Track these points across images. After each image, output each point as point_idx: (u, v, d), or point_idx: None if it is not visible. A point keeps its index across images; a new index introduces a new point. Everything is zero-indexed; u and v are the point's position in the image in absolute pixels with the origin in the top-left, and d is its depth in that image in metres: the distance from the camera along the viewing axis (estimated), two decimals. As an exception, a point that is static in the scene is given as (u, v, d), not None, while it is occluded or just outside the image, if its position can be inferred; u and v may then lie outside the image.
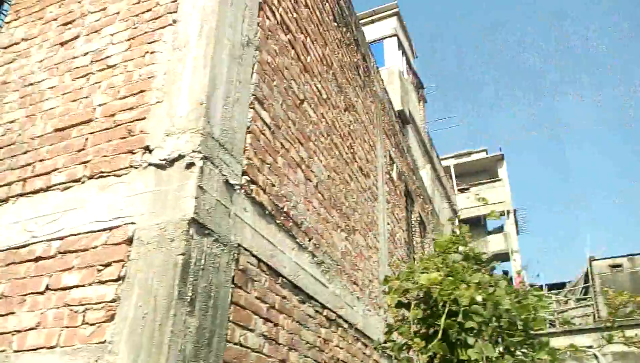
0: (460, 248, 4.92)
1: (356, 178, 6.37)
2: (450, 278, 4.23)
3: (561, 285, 31.12)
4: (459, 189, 26.65)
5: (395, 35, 15.49)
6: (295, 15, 4.73)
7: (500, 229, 28.99)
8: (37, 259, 3.29)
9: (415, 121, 16.69)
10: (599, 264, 27.05)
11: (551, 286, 31.24)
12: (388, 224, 7.85)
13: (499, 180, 27.03)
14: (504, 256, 28.25)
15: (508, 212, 26.43)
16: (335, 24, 5.98)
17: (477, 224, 30.01)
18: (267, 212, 3.96)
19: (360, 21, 16.03)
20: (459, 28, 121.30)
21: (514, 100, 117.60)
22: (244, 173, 3.68)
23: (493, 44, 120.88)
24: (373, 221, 7.04)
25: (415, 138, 16.50)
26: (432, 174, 18.47)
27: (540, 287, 31.15)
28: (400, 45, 15.85)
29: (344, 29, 6.31)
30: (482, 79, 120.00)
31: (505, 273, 31.67)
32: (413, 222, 10.25)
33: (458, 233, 4.92)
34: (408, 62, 16.92)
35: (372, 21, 15.82)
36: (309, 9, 5.13)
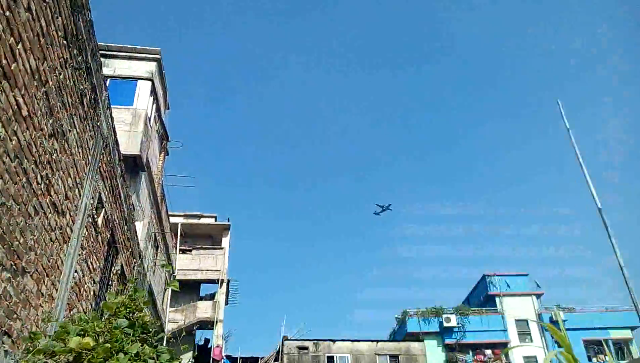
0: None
1: (45, 213, 5.60)
2: (107, 345, 3.87)
3: (255, 360, 32.55)
4: (181, 250, 26.32)
5: (151, 80, 15.07)
6: (8, 14, 4.08)
7: (212, 296, 29.32)
8: None
9: (152, 171, 16.14)
10: (290, 344, 29.31)
11: (246, 360, 32.42)
12: (76, 272, 7.05)
13: (221, 248, 27.67)
14: (210, 324, 28.44)
15: (222, 281, 27.01)
16: (65, 42, 5.39)
17: (193, 288, 29.85)
18: None
19: (118, 53, 15.27)
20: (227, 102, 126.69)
21: (260, 181, 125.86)
22: None
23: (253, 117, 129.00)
24: (55, 265, 6.21)
25: (147, 188, 15.86)
26: (156, 229, 17.85)
27: (236, 359, 32.04)
28: (153, 91, 15.45)
29: (76, 52, 5.74)
30: (240, 155, 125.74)
31: (207, 341, 31.81)
32: (112, 275, 9.49)
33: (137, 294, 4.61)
34: (159, 110, 16.54)
35: (130, 58, 15.15)
36: (32, 14, 4.51)
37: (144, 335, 4.38)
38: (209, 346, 29.48)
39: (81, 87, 6.04)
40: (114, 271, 9.38)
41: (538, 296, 34.28)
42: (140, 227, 13.41)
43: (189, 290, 28.71)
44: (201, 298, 29.67)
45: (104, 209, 7.88)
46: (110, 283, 9.45)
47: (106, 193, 7.90)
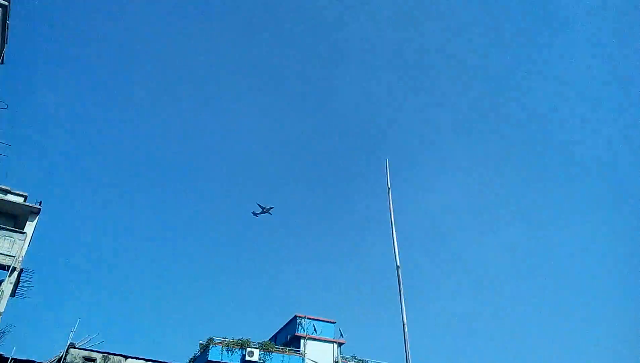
0: None
1: None
2: None
3: (30, 364, 29.02)
4: (-31, 223, 22.81)
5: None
6: None
7: (-4, 284, 25.73)
8: None
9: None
10: (76, 352, 26.65)
11: (19, 362, 28.73)
12: None
13: (23, 233, 24.56)
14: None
15: (14, 269, 23.88)
16: None
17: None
18: None
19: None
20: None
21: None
22: None
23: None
24: None
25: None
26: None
27: (7, 360, 28.25)
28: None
29: None
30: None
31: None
32: None
33: None
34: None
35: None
36: None
37: None
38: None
39: None
40: None
41: (340, 344, 35.86)
42: None
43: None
44: (-18, 284, 25.83)
45: None
46: None
47: None
